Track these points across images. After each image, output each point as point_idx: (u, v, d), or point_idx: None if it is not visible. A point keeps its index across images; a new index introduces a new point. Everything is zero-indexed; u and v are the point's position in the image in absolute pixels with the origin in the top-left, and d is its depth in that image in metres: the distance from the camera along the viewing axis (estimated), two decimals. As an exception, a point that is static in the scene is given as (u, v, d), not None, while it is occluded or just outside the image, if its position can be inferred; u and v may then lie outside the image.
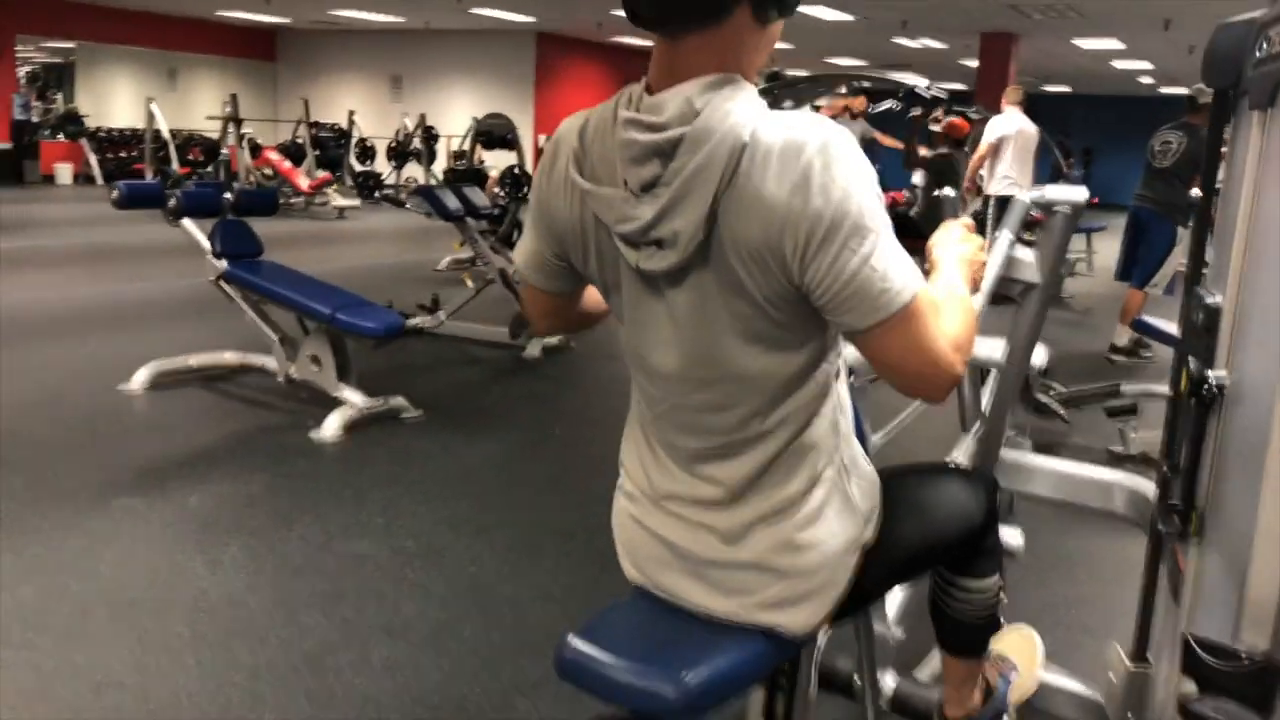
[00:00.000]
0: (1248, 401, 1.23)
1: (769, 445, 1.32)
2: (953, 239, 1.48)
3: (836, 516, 1.36)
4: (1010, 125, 7.82)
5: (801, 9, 10.96)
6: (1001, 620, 2.31)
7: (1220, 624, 1.28)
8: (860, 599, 1.46)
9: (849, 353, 1.78)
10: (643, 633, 1.44)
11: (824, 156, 1.13)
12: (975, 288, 1.46)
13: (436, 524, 3.35)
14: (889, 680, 2.07)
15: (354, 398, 4.38)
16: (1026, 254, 1.85)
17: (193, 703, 2.29)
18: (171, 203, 4.62)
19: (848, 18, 13.08)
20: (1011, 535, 2.14)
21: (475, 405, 4.90)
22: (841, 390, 1.40)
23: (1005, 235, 1.80)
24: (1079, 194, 1.83)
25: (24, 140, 15.92)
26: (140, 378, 4.78)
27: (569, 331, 1.52)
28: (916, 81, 7.46)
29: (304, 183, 13.31)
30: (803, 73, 9.43)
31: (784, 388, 1.29)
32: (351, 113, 15.68)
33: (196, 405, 4.63)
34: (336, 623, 2.67)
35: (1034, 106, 8.54)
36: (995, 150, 7.83)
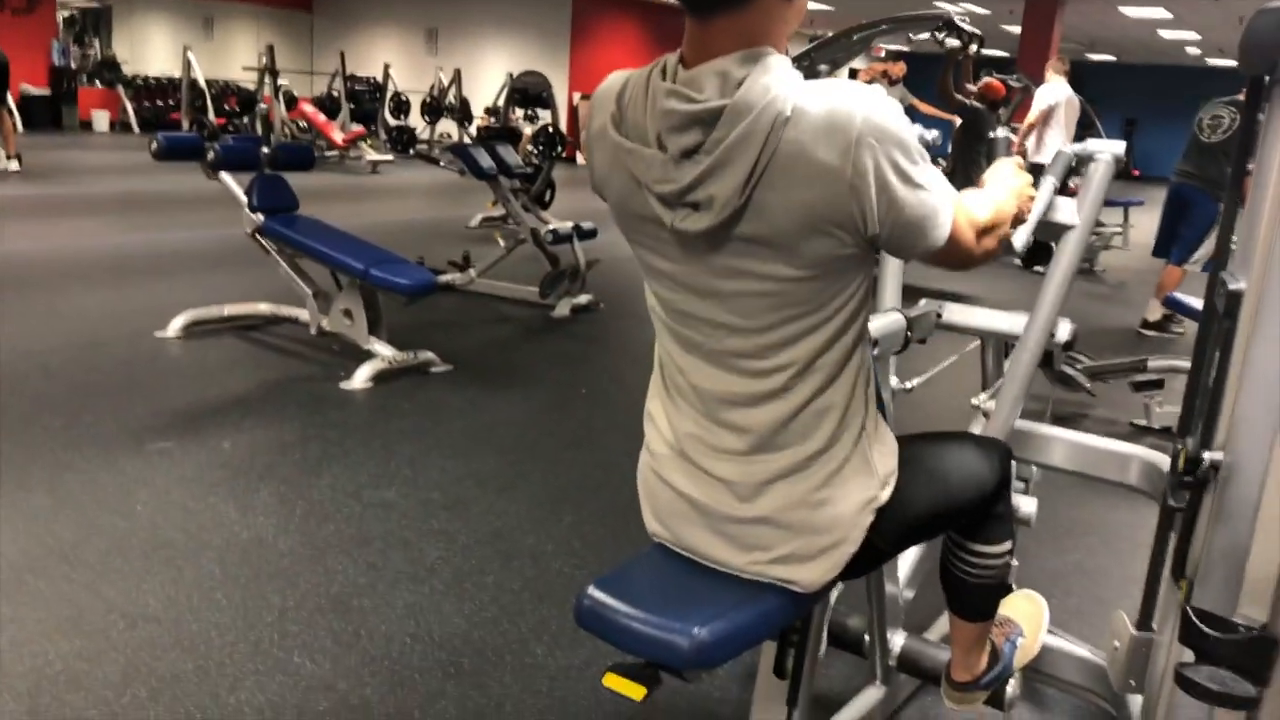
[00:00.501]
0: (1261, 376, 1.25)
1: (793, 399, 1.36)
2: (1005, 172, 1.63)
3: (854, 476, 1.40)
4: (1060, 94, 7.78)
5: (839, -29, 10.69)
6: (1012, 586, 2.35)
7: (1221, 596, 1.31)
8: (872, 558, 1.50)
9: (873, 325, 1.83)
10: (661, 586, 1.49)
11: (870, 121, 1.20)
12: (1020, 220, 1.64)
13: (462, 477, 3.42)
14: (898, 639, 2.12)
15: (384, 350, 4.46)
16: (1066, 200, 1.95)
17: (224, 639, 2.37)
18: (210, 156, 4.68)
19: (889, -20, 12.89)
20: (1026, 503, 2.18)
21: (503, 362, 4.96)
22: (866, 354, 1.44)
23: (1049, 181, 1.90)
24: (1118, 146, 1.94)
25: (63, 86, 16.05)
26: (176, 325, 4.88)
27: None
28: (952, 8, 7.42)
29: (338, 136, 13.36)
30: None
31: (814, 344, 1.34)
32: (387, 66, 15.68)
33: (230, 354, 4.72)
34: (362, 567, 2.75)
35: (1076, 75, 8.42)
36: (1045, 119, 7.79)
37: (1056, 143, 7.72)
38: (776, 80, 1.21)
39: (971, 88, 7.60)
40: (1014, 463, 2.17)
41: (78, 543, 2.78)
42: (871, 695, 2.14)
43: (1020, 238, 1.77)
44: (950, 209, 1.31)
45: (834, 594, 2.16)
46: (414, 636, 2.44)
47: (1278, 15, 1.44)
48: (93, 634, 2.35)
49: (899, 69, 8.59)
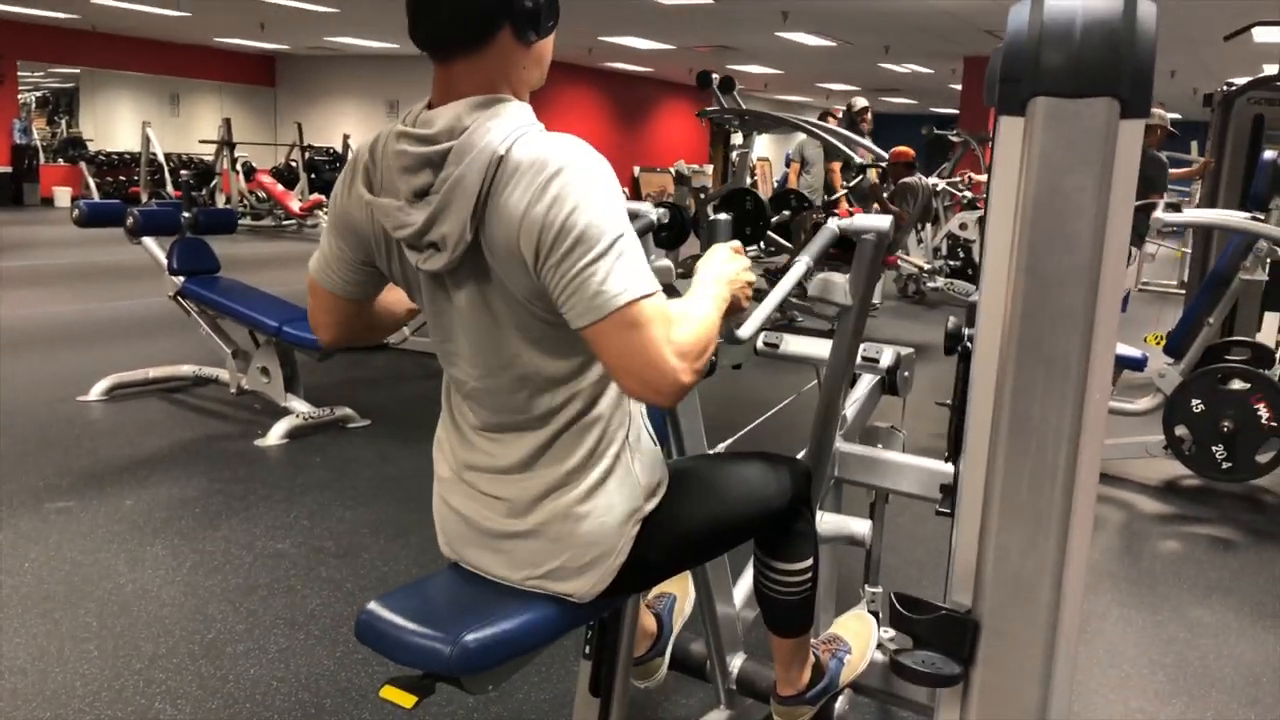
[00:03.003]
0: (976, 389, 1.33)
1: (556, 421, 1.44)
2: (718, 259, 1.52)
3: (616, 489, 1.47)
4: None
5: (783, 34, 11.14)
6: (878, 612, 2.41)
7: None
8: (648, 571, 1.57)
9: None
10: (441, 600, 1.55)
11: (563, 174, 1.26)
12: (740, 305, 1.51)
13: (359, 526, 3.46)
14: (736, 661, 2.17)
15: (300, 407, 4.52)
16: (839, 278, 1.92)
17: (88, 688, 2.39)
18: (129, 221, 4.78)
19: (829, 43, 13.27)
20: (858, 525, 2.26)
21: (423, 414, 5.01)
22: None
23: (804, 259, 1.78)
24: (883, 222, 1.86)
25: (24, 164, 16.19)
26: (99, 389, 4.93)
27: (354, 342, 1.61)
28: (856, 152, 7.78)
29: (295, 205, 13.51)
30: (794, 99, 9.67)
31: (566, 371, 1.42)
32: (346, 136, 15.90)
33: (151, 415, 4.76)
34: (242, 615, 2.79)
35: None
36: None
37: None
38: (501, 124, 1.30)
39: (883, 164, 7.78)
40: (843, 485, 2.27)
41: (-42, 599, 2.81)
42: (714, 719, 2.19)
43: (748, 328, 1.68)
44: (617, 300, 1.23)
45: (679, 620, 2.22)
46: (281, 680, 2.47)
47: (999, 54, 1.56)
48: (-43, 686, 2.38)
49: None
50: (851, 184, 8.10)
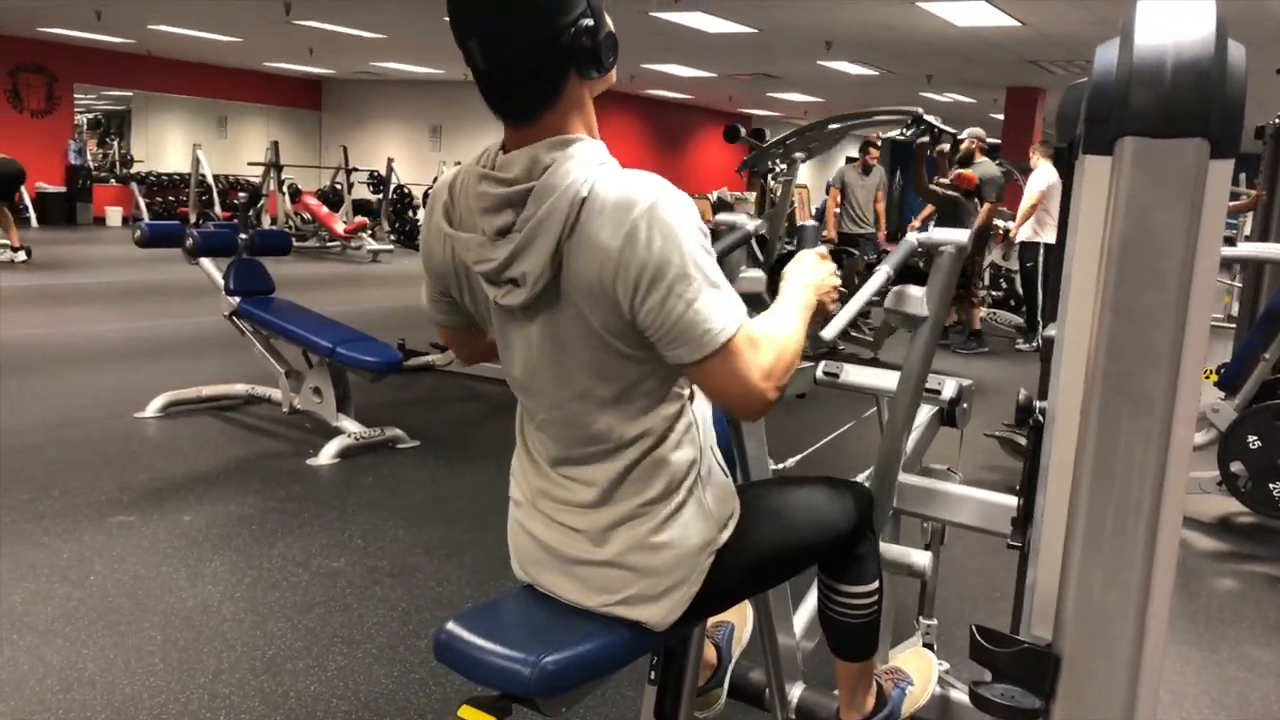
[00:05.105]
0: (1057, 423, 1.35)
1: (629, 454, 1.46)
2: (804, 266, 1.60)
3: (691, 520, 1.49)
4: (1051, 177, 8.00)
5: (827, 63, 11.03)
6: (933, 645, 2.41)
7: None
8: (720, 597, 1.59)
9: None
10: (517, 622, 1.57)
11: (651, 213, 1.29)
12: (827, 309, 1.59)
13: (412, 546, 3.50)
14: (796, 691, 2.17)
15: (352, 427, 4.58)
16: (916, 290, 1.97)
17: (154, 700, 2.44)
18: (189, 242, 4.89)
19: (872, 72, 13.30)
20: (919, 556, 2.25)
21: (470, 436, 5.07)
22: (700, 406, 1.55)
23: (884, 269, 1.91)
24: (961, 236, 1.95)
25: (78, 184, 16.57)
26: (155, 406, 5.03)
27: (490, 360, 1.68)
28: (938, 97, 7.70)
29: (339, 227, 13.71)
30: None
31: (639, 406, 1.45)
32: (390, 160, 16.13)
33: (205, 432, 4.85)
34: (301, 632, 2.83)
35: (1060, 158, 8.65)
36: (1043, 200, 8.01)
37: (1050, 221, 7.94)
38: (579, 164, 1.33)
39: (945, 180, 7.81)
40: (901, 516, 2.27)
41: (28, 610, 2.87)
42: (773, 747, 2.19)
43: (831, 330, 1.76)
44: (721, 337, 1.30)
45: (738, 648, 2.23)
46: (341, 697, 2.50)
47: (1077, 91, 1.58)
48: (29, 697, 2.43)
49: (873, 155, 8.87)
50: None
